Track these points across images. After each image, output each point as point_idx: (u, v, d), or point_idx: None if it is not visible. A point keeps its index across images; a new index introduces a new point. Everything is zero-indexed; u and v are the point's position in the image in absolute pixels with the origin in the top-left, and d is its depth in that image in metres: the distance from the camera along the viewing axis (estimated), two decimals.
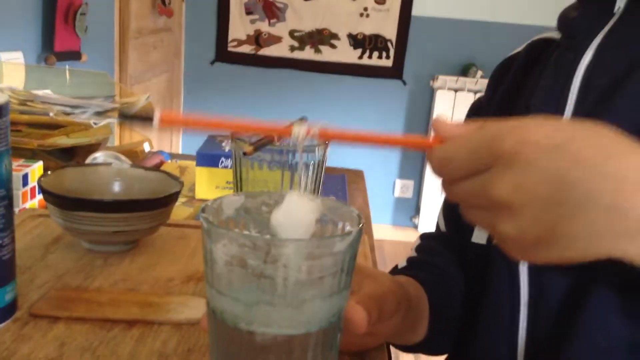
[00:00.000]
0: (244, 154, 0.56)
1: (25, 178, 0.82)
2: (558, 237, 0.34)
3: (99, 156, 0.93)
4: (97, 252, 0.65)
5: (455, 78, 3.23)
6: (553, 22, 0.62)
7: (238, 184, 0.62)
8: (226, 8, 3.29)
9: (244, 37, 3.32)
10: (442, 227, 0.69)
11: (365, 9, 3.27)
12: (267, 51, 3.33)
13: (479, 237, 0.59)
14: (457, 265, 0.64)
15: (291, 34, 3.31)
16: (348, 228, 0.39)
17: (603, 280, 0.46)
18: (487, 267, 0.56)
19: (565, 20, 0.59)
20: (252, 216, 0.41)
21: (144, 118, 0.36)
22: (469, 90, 3.18)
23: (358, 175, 1.23)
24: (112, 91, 1.46)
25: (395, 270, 0.65)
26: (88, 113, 1.07)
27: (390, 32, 3.30)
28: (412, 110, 3.43)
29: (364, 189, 1.13)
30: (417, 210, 3.42)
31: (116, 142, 2.07)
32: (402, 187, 3.46)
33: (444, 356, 0.66)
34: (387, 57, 3.33)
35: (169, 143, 3.25)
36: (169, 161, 1.14)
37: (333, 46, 3.32)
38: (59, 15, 1.85)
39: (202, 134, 1.09)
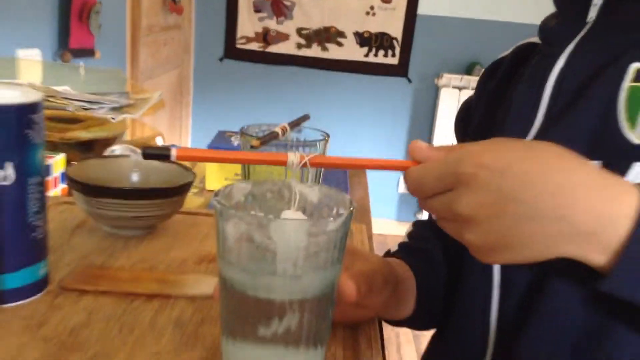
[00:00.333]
0: (252, 147, 0.62)
1: (49, 168, 0.88)
2: (512, 243, 0.42)
3: (116, 149, 0.99)
4: (118, 236, 0.72)
5: (459, 76, 3.27)
6: None
7: (246, 176, 0.68)
8: (235, 6, 3.34)
9: (252, 35, 3.37)
10: (434, 216, 0.75)
11: (372, 7, 3.31)
12: (274, 48, 3.38)
13: None
14: (443, 251, 0.70)
15: (298, 31, 3.36)
16: (341, 211, 0.45)
17: (561, 272, 0.51)
18: (465, 253, 0.62)
19: (544, 28, 0.63)
20: (258, 201, 0.47)
21: (162, 155, 0.44)
22: (473, 89, 3.20)
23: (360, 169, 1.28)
24: (126, 87, 1.53)
25: (387, 254, 0.71)
26: (105, 108, 1.13)
27: (396, 30, 3.34)
28: (417, 108, 3.47)
29: (365, 182, 1.19)
30: None
31: (129, 137, 2.13)
32: None
33: (432, 331, 0.72)
34: (393, 55, 3.37)
35: (179, 138, 3.31)
36: None
37: (339, 44, 3.36)
38: (74, 14, 1.92)
39: (210, 129, 1.14)
